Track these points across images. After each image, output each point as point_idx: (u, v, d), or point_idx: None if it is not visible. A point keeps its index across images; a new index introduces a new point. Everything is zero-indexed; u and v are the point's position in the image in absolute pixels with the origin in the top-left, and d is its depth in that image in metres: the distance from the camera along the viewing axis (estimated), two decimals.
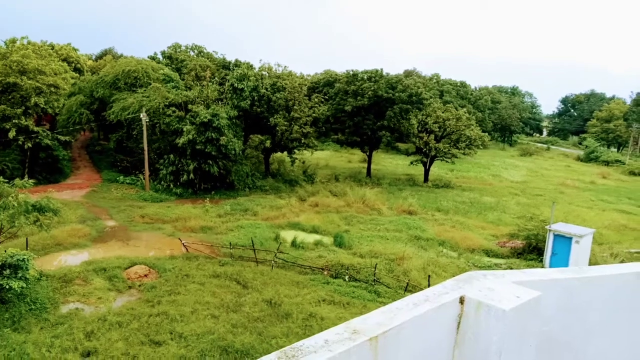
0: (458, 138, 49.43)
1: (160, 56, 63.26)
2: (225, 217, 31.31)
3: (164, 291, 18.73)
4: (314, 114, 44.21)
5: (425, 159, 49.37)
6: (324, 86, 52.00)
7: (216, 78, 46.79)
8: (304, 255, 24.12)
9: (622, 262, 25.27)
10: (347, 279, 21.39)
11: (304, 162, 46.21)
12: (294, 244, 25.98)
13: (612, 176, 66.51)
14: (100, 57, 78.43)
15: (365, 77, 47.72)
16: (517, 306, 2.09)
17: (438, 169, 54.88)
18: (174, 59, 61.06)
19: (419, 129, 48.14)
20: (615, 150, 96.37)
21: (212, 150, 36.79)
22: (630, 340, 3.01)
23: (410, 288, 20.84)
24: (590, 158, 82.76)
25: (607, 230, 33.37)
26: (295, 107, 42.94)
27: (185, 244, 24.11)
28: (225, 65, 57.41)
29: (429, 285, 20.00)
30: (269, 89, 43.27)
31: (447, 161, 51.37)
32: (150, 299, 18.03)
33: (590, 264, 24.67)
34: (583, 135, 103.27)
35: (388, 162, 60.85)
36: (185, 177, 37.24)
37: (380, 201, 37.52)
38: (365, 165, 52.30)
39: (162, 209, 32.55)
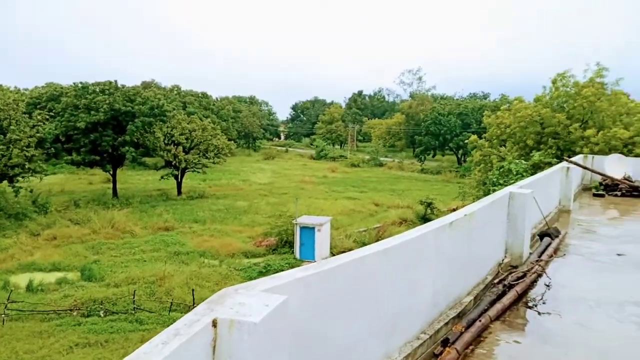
0: (206, 148, 50.14)
1: None
2: None
3: None
4: (38, 134, 38.14)
5: (176, 172, 48.33)
6: (47, 101, 45.47)
7: None
8: (45, 299, 20.69)
9: (354, 241, 30.00)
10: (102, 315, 19.26)
11: (32, 191, 39.06)
12: (30, 288, 22.00)
13: (339, 169, 78.05)
14: None
15: (98, 90, 43.67)
16: (267, 315, 2.17)
17: (190, 181, 54.38)
18: None
19: (166, 141, 46.80)
20: (339, 147, 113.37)
21: None
22: (361, 317, 3.52)
23: (174, 307, 20.13)
24: (320, 156, 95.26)
25: (341, 215, 39.00)
26: (12, 127, 36.18)
27: None
28: None
29: (193, 300, 19.69)
30: None
31: (198, 172, 51.41)
32: None
33: (331, 247, 28.49)
34: (313, 136, 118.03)
35: (136, 180, 57.11)
36: None
37: (132, 222, 35.07)
38: (110, 185, 47.89)
39: None
